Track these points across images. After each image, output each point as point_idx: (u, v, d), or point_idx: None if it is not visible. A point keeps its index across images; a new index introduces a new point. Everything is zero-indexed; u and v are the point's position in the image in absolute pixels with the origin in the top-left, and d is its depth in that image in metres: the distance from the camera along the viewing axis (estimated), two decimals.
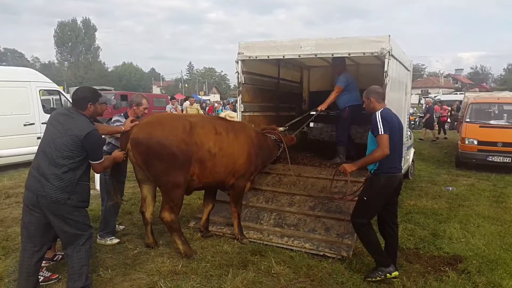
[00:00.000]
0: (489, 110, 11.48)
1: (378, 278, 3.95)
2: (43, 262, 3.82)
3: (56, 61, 74.38)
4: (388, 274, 3.93)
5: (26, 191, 3.45)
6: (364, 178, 4.52)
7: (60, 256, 4.30)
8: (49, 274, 3.95)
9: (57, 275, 3.96)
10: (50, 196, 3.30)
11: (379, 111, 3.92)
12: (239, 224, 4.97)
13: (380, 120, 3.82)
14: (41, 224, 3.43)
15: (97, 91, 3.79)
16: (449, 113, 21.03)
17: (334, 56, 5.60)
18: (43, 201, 3.32)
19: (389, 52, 5.03)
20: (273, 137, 5.45)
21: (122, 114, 4.85)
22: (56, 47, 71.43)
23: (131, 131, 4.23)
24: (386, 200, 4.04)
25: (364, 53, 5.23)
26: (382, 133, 3.78)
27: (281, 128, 5.64)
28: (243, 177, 4.91)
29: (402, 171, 7.35)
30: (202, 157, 4.42)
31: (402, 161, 4.79)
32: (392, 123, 3.90)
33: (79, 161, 3.42)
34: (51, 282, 3.88)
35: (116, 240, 4.95)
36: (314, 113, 6.49)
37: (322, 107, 6.45)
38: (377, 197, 3.98)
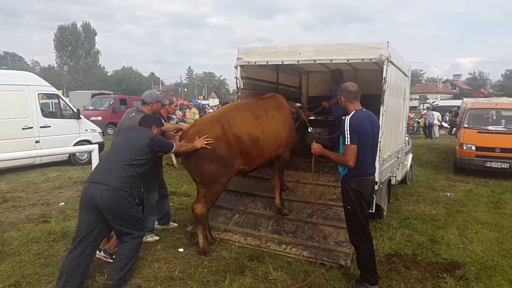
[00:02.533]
0: (487, 115, 11.50)
1: None
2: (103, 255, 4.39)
3: (55, 65, 74.43)
4: None
5: None
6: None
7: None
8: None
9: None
10: None
11: (349, 117, 3.77)
12: (281, 195, 5.31)
13: (348, 129, 3.69)
14: None
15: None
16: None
17: (332, 61, 5.61)
18: None
19: (387, 58, 5.04)
20: (293, 110, 5.87)
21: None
22: (56, 51, 71.54)
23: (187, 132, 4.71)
24: (366, 202, 3.96)
25: (362, 59, 5.24)
26: (349, 143, 3.69)
27: (298, 104, 6.17)
28: (287, 148, 5.33)
29: (399, 176, 7.47)
30: (246, 148, 4.76)
31: (377, 162, 4.86)
32: (362, 130, 3.74)
33: None
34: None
35: (156, 237, 5.17)
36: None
37: (327, 103, 6.77)
38: (357, 201, 3.87)
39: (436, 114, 22.61)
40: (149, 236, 5.08)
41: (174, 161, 10.70)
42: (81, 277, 3.61)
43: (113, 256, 4.21)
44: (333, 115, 7.04)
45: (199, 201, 4.65)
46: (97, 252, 4.26)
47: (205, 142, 4.40)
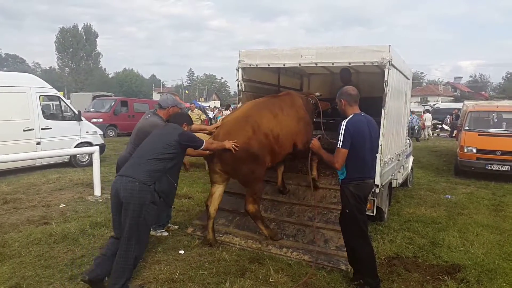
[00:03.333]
0: (488, 118, 11.50)
1: None
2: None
3: (57, 67, 74.58)
4: None
5: None
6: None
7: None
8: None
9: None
10: None
11: (346, 120, 3.80)
12: (318, 169, 5.72)
13: (343, 133, 3.72)
14: None
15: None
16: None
17: (334, 64, 5.61)
18: None
19: (389, 62, 5.04)
20: (312, 101, 6.01)
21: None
22: (57, 53, 71.67)
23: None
24: (365, 206, 4.00)
25: (364, 63, 5.24)
26: (340, 146, 3.72)
27: (317, 93, 6.26)
28: (306, 139, 5.38)
29: (400, 179, 7.46)
30: (271, 146, 4.96)
31: (378, 165, 5.02)
32: (359, 134, 3.76)
33: None
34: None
35: (165, 233, 5.35)
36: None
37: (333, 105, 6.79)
38: (356, 204, 3.86)
39: (428, 116, 22.97)
40: (158, 231, 5.25)
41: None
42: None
43: None
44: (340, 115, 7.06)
45: (248, 201, 4.84)
46: None
47: (233, 145, 4.54)
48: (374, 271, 3.97)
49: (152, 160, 3.79)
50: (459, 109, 24.58)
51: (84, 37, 71.45)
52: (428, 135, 23.10)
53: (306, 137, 5.49)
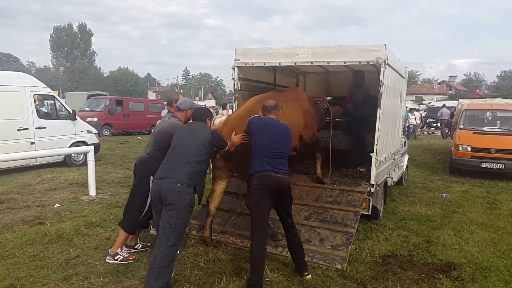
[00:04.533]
0: (483, 117, 11.56)
1: None
2: (125, 248, 4.56)
3: (51, 66, 74.15)
4: None
5: None
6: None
7: (141, 245, 4.82)
8: (128, 254, 4.52)
9: (134, 257, 4.55)
10: None
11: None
12: (322, 165, 5.77)
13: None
14: None
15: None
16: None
17: (330, 63, 5.60)
18: None
19: (384, 61, 5.06)
20: (324, 106, 6.09)
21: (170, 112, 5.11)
22: (51, 52, 71.22)
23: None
24: (268, 201, 4.01)
25: (360, 62, 5.26)
26: None
27: (328, 98, 6.32)
28: (312, 133, 5.66)
29: (395, 177, 7.50)
30: None
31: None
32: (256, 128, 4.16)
33: None
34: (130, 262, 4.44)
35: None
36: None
37: (350, 106, 7.03)
38: (255, 197, 4.04)
39: (417, 115, 23.15)
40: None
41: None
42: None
43: (134, 247, 4.77)
44: (352, 114, 7.24)
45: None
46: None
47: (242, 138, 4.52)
48: (255, 266, 3.87)
49: (193, 162, 3.82)
50: (443, 105, 24.91)
51: (79, 35, 71.01)
52: (418, 134, 23.27)
53: (312, 130, 5.59)
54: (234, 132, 4.56)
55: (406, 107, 26.08)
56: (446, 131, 22.67)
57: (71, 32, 70.20)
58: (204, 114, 4.34)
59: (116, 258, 4.49)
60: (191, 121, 4.41)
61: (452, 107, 22.89)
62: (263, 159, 4.04)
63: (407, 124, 21.19)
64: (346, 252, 4.58)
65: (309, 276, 4.14)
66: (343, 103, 6.90)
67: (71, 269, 4.27)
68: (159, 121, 5.02)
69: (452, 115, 21.62)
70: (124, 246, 4.62)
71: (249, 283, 3.81)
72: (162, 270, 3.61)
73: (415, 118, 22.27)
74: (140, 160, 4.61)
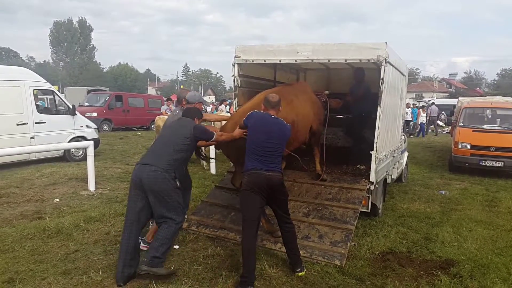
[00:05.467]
0: (483, 114, 11.56)
1: None
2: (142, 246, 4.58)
3: (51, 61, 74.02)
4: None
5: None
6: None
7: None
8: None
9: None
10: None
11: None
12: (320, 162, 5.82)
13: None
14: None
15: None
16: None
17: (330, 61, 5.57)
18: None
19: (385, 59, 5.04)
20: (323, 99, 6.15)
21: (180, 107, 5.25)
22: (51, 47, 71.12)
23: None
24: (258, 198, 4.00)
25: (360, 60, 5.24)
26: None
27: (326, 92, 6.42)
28: (319, 122, 5.77)
29: (395, 174, 7.51)
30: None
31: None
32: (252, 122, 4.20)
33: None
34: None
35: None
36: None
37: (350, 99, 7.00)
38: (243, 194, 4.11)
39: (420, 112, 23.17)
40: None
41: (204, 164, 10.01)
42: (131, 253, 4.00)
43: None
44: (352, 112, 7.25)
45: None
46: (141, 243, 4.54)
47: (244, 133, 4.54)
48: (244, 260, 3.91)
49: (171, 150, 4.07)
50: (432, 103, 24.93)
51: (79, 31, 70.92)
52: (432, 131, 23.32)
53: (320, 119, 5.81)
54: (235, 127, 4.60)
55: (415, 104, 26.23)
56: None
57: (71, 27, 70.10)
58: (193, 113, 4.56)
59: None
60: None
61: (452, 105, 22.89)
62: (254, 157, 4.06)
63: (419, 122, 21.19)
64: (345, 249, 4.59)
65: (302, 273, 4.12)
66: (343, 97, 6.87)
67: (70, 264, 4.28)
68: (169, 115, 5.08)
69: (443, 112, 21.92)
70: (141, 242, 4.57)
71: (242, 275, 3.86)
72: (165, 242, 3.94)
73: (425, 116, 22.10)
74: None
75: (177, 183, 4.07)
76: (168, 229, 3.96)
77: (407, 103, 24.45)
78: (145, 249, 4.51)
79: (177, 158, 4.10)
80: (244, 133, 4.49)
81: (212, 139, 4.45)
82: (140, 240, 4.49)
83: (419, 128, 21.67)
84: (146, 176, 3.92)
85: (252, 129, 4.19)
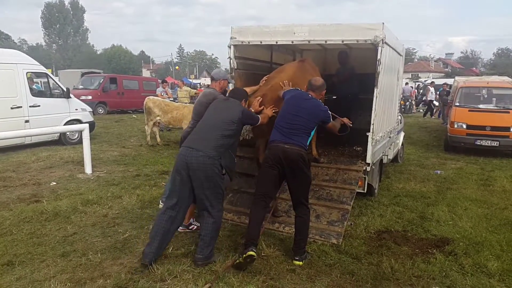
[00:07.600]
0: (479, 94, 11.56)
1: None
2: (180, 228, 4.51)
3: (44, 43, 72.92)
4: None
5: None
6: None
7: (195, 226, 4.74)
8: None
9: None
10: None
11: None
12: (316, 147, 5.81)
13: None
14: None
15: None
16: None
17: (327, 42, 5.51)
18: None
19: (382, 40, 5.00)
20: None
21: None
22: (43, 29, 69.97)
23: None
24: (275, 173, 4.04)
25: (357, 41, 5.19)
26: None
27: None
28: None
29: (391, 155, 7.53)
30: None
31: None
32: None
33: None
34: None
35: None
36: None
37: (335, 80, 7.04)
38: (261, 169, 4.24)
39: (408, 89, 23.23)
40: None
41: (158, 139, 11.04)
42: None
43: (189, 227, 4.75)
44: (339, 93, 7.23)
45: None
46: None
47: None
48: (249, 227, 4.04)
49: (218, 136, 3.95)
50: (406, 83, 24.89)
51: (71, 12, 69.73)
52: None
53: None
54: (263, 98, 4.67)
55: (425, 81, 26.04)
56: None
57: (63, 9, 68.86)
58: (240, 94, 4.46)
59: (190, 227, 4.73)
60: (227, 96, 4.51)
61: (448, 84, 22.78)
62: (278, 129, 4.11)
63: (427, 98, 20.91)
64: (341, 228, 4.64)
65: (298, 263, 3.98)
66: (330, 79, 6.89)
67: (68, 246, 4.30)
68: (200, 96, 5.06)
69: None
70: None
71: (245, 238, 3.97)
72: (214, 235, 3.97)
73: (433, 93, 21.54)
74: (185, 134, 4.67)
75: (223, 170, 3.98)
76: (214, 225, 3.92)
77: (432, 82, 24.34)
78: (182, 231, 4.62)
79: (223, 143, 3.96)
80: (274, 110, 4.57)
81: (257, 123, 4.39)
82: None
83: (427, 107, 21.42)
84: (195, 161, 3.82)
85: (286, 102, 4.26)
